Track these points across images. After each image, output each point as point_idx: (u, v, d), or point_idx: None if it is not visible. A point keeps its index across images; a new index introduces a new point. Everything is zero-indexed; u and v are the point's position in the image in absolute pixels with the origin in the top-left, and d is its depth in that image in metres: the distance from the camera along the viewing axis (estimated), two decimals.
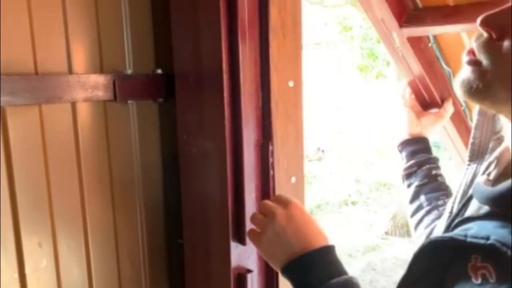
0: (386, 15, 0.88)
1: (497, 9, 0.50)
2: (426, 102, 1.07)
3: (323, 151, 7.60)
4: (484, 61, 0.51)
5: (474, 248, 0.46)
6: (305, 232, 0.67)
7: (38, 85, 0.77)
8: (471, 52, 0.52)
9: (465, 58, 0.53)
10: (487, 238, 0.45)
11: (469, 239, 0.47)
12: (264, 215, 0.71)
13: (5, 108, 0.75)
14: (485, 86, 0.51)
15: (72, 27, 0.83)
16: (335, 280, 0.62)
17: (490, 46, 0.51)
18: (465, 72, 0.53)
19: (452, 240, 0.48)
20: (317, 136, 7.32)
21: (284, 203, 0.71)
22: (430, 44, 0.96)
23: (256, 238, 0.72)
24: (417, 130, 1.06)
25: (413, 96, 1.08)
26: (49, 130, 0.81)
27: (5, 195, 0.78)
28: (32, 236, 0.82)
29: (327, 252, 0.66)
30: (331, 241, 0.68)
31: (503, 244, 0.44)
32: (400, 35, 0.91)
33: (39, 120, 0.80)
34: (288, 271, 0.66)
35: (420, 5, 0.90)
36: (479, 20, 0.51)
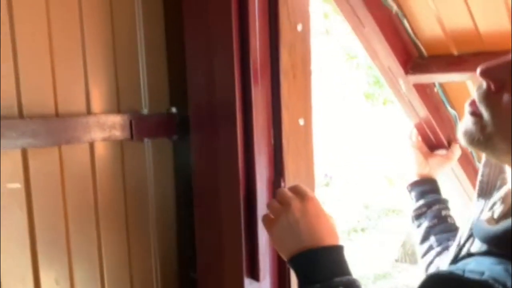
0: (392, 63, 0.91)
1: (497, 61, 0.52)
2: (433, 144, 1.09)
3: (330, 176, 7.58)
4: (485, 113, 0.53)
5: (471, 283, 0.48)
6: (317, 228, 0.69)
7: (59, 127, 0.80)
8: (474, 103, 0.54)
9: (467, 108, 0.55)
10: (482, 274, 0.47)
11: (466, 274, 0.49)
12: (280, 203, 0.73)
13: (27, 150, 0.78)
14: (485, 138, 0.53)
15: (91, 69, 0.87)
16: (339, 278, 0.64)
17: (490, 97, 0.52)
18: (467, 123, 0.55)
19: (451, 274, 0.50)
20: (324, 161, 7.31)
21: (301, 195, 0.73)
22: (435, 90, 0.99)
23: (269, 224, 0.74)
24: (425, 171, 1.08)
25: (419, 138, 1.10)
26: (67, 170, 0.84)
27: (24, 232, 0.80)
28: (49, 273, 0.83)
29: (336, 251, 0.68)
30: (341, 242, 0.71)
31: (496, 280, 0.46)
32: (406, 82, 0.94)
33: (58, 161, 0.82)
34: (295, 263, 0.68)
35: (425, 53, 0.94)
36: (479, 70, 0.53)
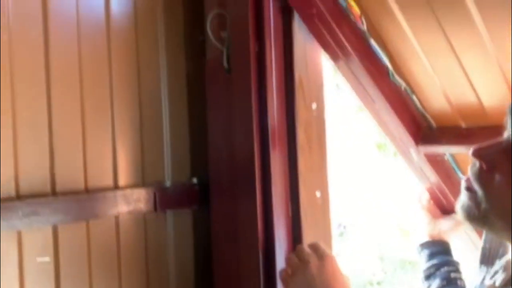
0: (403, 134, 0.95)
1: (489, 143, 0.56)
2: (444, 207, 1.11)
3: (344, 227, 7.46)
4: (478, 191, 0.56)
5: None
6: (333, 287, 0.72)
7: (88, 203, 0.85)
8: (468, 179, 0.58)
9: (463, 183, 0.58)
10: None
11: None
12: (299, 259, 0.76)
13: (57, 226, 0.82)
14: (481, 214, 0.56)
15: (119, 144, 0.92)
16: None
17: (482, 176, 0.56)
18: (464, 198, 0.58)
19: None
20: (338, 211, 7.19)
21: (320, 253, 0.76)
22: (446, 158, 1.02)
23: (286, 278, 0.77)
24: (435, 232, 1.08)
25: (431, 202, 1.12)
26: (94, 242, 0.87)
27: None
28: None
29: None
30: None
31: None
32: (417, 152, 0.98)
33: (86, 235, 0.86)
34: None
35: (434, 125, 0.98)
36: (471, 150, 0.57)
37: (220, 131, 0.95)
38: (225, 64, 0.89)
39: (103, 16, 0.91)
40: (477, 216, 0.56)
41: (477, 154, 0.56)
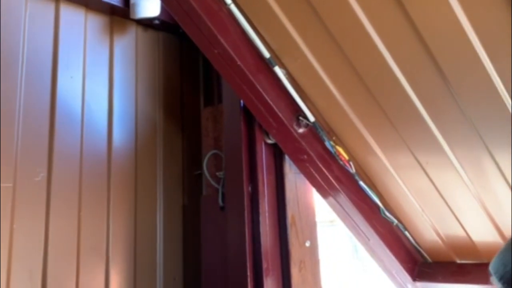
0: (399, 270, 0.95)
1: None
2: None
3: None
4: None
5: None
6: None
7: None
8: None
9: None
10: None
11: None
12: None
13: None
14: None
15: (113, 273, 0.92)
16: None
17: None
18: None
19: None
20: None
21: None
22: None
23: None
24: None
25: None
26: None
27: None
28: None
29: None
30: None
31: None
32: (414, 287, 0.97)
33: None
34: None
35: (429, 259, 0.98)
36: None
37: (214, 265, 0.94)
38: (220, 202, 0.92)
39: (105, 151, 0.97)
40: None
41: None
